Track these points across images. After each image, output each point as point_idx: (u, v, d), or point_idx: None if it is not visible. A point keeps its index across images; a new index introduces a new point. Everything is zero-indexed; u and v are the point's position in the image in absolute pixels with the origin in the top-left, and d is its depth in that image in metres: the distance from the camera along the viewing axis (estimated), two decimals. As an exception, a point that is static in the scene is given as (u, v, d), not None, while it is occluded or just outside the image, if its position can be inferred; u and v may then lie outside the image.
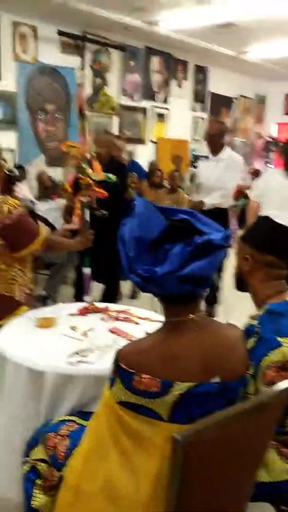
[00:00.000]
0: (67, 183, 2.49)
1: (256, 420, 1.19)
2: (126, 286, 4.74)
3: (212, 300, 4.45)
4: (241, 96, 10.27)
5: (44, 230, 2.33)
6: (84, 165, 2.38)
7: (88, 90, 6.71)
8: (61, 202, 4.81)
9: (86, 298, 2.43)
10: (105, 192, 2.53)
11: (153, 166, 7.14)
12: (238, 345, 1.37)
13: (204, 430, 1.06)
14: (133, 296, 4.70)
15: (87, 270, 2.46)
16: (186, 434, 1.04)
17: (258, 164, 10.94)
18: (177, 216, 1.30)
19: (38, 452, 1.60)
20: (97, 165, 2.48)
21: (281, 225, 1.81)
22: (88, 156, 2.39)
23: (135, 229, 1.27)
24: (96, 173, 2.45)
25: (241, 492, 1.37)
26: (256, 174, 9.51)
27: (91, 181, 2.42)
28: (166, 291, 1.28)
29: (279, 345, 1.59)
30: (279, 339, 1.60)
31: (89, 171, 2.40)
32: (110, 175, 2.67)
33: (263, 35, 6.67)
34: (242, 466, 1.27)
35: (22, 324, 2.14)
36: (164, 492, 1.18)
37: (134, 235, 1.26)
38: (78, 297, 3.54)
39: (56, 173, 5.95)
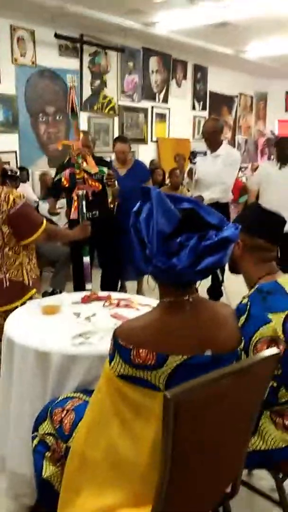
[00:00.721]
0: (64, 178, 2.65)
1: (245, 380, 1.27)
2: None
3: (216, 294, 4.54)
4: (242, 94, 10.35)
5: (44, 220, 2.48)
6: (79, 160, 2.52)
7: (89, 92, 6.82)
8: (64, 201, 4.93)
9: (88, 285, 2.55)
10: (99, 185, 2.71)
11: (154, 165, 7.25)
12: (229, 321, 1.46)
13: (194, 388, 1.14)
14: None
15: (86, 259, 2.58)
16: (177, 392, 1.12)
17: (261, 161, 11.01)
18: (182, 205, 1.36)
19: (46, 427, 1.69)
20: (91, 160, 2.64)
21: (269, 210, 1.90)
22: (82, 152, 2.54)
23: (156, 223, 1.29)
24: (91, 167, 2.60)
25: (235, 456, 1.46)
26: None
27: (86, 175, 2.57)
28: (180, 281, 1.35)
29: (269, 321, 1.69)
30: (269, 315, 1.70)
31: (84, 165, 2.55)
32: (104, 168, 2.94)
33: (261, 33, 6.74)
34: (233, 428, 1.35)
35: (28, 311, 2.24)
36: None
37: (156, 228, 1.28)
38: (78, 287, 3.72)
39: (59, 174, 6.06)
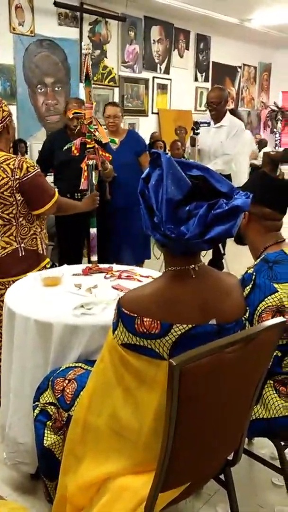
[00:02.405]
0: (74, 147, 2.59)
1: (249, 348, 1.25)
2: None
3: (217, 267, 4.52)
4: (245, 65, 10.15)
5: (56, 191, 2.48)
6: (91, 129, 2.47)
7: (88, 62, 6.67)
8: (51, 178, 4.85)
9: (93, 257, 2.52)
10: (109, 155, 2.66)
11: (155, 138, 7.15)
12: (234, 290, 1.44)
13: (199, 356, 1.13)
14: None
15: (93, 230, 2.55)
16: (182, 360, 1.11)
17: (264, 134, 10.88)
18: (192, 172, 1.33)
19: (47, 396, 1.69)
20: (102, 129, 2.58)
21: (275, 178, 1.86)
22: (94, 121, 2.48)
23: (166, 190, 1.25)
24: (102, 136, 2.55)
25: (238, 424, 1.46)
26: (262, 143, 9.48)
27: (96, 145, 2.52)
28: (188, 250, 1.32)
29: (275, 290, 1.67)
30: (274, 285, 1.67)
31: (97, 134, 2.50)
32: (114, 139, 2.90)
33: (267, 1, 6.56)
34: (237, 395, 1.35)
35: (28, 283, 2.22)
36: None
37: (167, 196, 1.25)
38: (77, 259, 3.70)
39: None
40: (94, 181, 2.60)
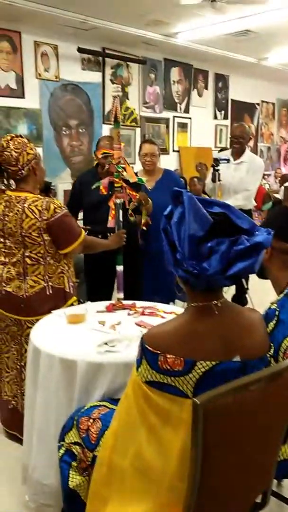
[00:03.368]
0: (102, 186, 2.67)
1: (274, 387, 1.24)
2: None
3: (241, 302, 4.48)
4: (263, 101, 10.31)
5: (82, 231, 2.52)
6: (119, 169, 2.54)
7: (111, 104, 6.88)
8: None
9: (119, 294, 2.55)
10: (136, 194, 2.73)
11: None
12: (257, 327, 1.43)
13: (224, 394, 1.12)
14: None
15: (119, 268, 2.59)
16: (206, 399, 1.10)
17: (285, 169, 10.92)
18: (213, 209, 1.35)
19: (72, 436, 1.68)
20: (130, 169, 2.66)
21: None
22: (122, 161, 2.56)
23: (188, 227, 1.28)
24: (130, 175, 2.62)
25: (265, 465, 1.42)
26: (283, 179, 9.50)
27: (124, 184, 2.58)
28: (210, 286, 1.34)
29: (299, 326, 1.65)
30: (298, 321, 1.65)
31: (124, 173, 2.57)
32: (142, 178, 2.93)
33: (282, 40, 6.71)
34: (264, 435, 1.32)
35: (53, 320, 2.25)
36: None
37: (189, 233, 1.27)
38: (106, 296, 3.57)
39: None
40: (121, 219, 2.65)
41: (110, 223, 2.62)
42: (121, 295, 2.57)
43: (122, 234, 2.66)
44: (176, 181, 4.02)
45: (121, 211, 2.65)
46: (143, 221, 3.34)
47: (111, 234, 2.73)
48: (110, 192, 2.71)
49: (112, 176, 2.60)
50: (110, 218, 2.61)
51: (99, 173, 3.53)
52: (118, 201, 2.60)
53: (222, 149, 6.60)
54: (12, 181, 2.50)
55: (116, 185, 2.60)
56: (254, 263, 1.29)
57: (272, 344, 1.59)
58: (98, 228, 3.23)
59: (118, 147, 2.57)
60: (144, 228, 3.31)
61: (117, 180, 2.59)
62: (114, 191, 2.61)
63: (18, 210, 2.36)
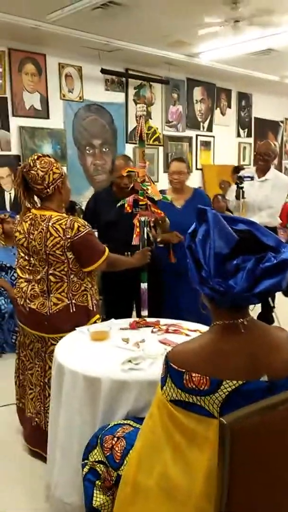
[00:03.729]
0: (127, 204, 2.70)
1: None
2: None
3: (267, 321, 4.41)
4: (287, 119, 10.29)
5: (106, 249, 2.53)
6: (144, 187, 2.57)
7: (134, 124, 6.96)
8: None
9: (144, 312, 2.54)
10: (161, 212, 2.74)
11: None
12: (285, 345, 1.40)
13: (251, 415, 1.09)
14: None
15: (144, 285, 2.59)
16: (233, 419, 1.08)
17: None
18: (238, 226, 1.35)
19: (96, 454, 1.66)
20: (154, 187, 2.69)
21: None
22: (147, 178, 2.59)
23: (214, 244, 1.28)
24: (154, 193, 2.65)
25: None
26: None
27: (149, 202, 2.61)
28: (236, 304, 1.33)
29: None
30: None
31: (149, 191, 2.59)
32: (167, 196, 2.94)
33: (304, 58, 6.72)
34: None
35: (77, 337, 2.25)
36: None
37: (214, 251, 1.27)
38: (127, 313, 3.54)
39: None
40: (145, 237, 2.66)
41: (135, 240, 2.64)
42: (146, 313, 2.56)
43: (146, 252, 2.67)
44: (204, 200, 3.83)
45: (145, 229, 2.66)
46: (158, 238, 3.35)
47: (134, 252, 2.73)
48: (133, 210, 2.73)
49: (137, 194, 2.63)
50: (134, 236, 2.62)
51: (114, 192, 3.55)
52: (142, 219, 2.61)
53: (237, 168, 6.55)
54: (37, 199, 2.53)
55: (141, 203, 2.62)
56: (281, 281, 1.27)
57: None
58: (118, 246, 3.21)
59: (142, 165, 2.60)
60: (161, 245, 3.34)
61: (141, 198, 2.61)
62: (139, 209, 2.63)
63: (42, 229, 2.39)
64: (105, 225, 3.44)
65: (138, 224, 2.63)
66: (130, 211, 2.68)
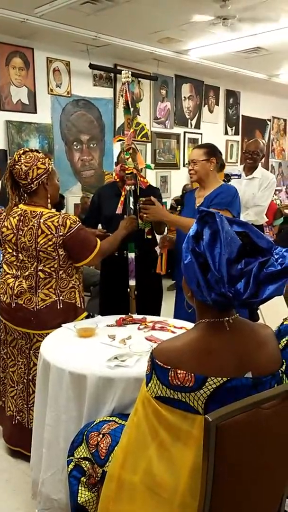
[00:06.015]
0: (115, 174, 2.71)
1: (287, 405, 1.22)
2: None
3: (252, 319, 4.44)
4: (274, 117, 10.34)
5: (98, 241, 2.52)
6: (127, 156, 2.57)
7: (122, 120, 6.94)
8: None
9: (131, 281, 2.54)
10: (147, 181, 2.76)
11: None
12: (269, 342, 1.42)
13: (236, 411, 1.10)
14: None
15: (131, 255, 2.59)
16: (218, 415, 1.09)
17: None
18: (234, 228, 1.34)
19: (82, 451, 1.67)
20: (139, 156, 2.74)
21: None
22: (132, 147, 2.60)
23: (225, 250, 1.26)
24: (139, 162, 2.70)
25: (278, 485, 1.39)
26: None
27: (135, 171, 2.61)
28: (240, 307, 1.33)
29: (311, 343, 1.62)
30: (311, 337, 1.63)
31: (135, 158, 2.64)
32: (150, 164, 2.91)
33: (293, 57, 6.75)
34: (277, 454, 1.29)
35: (63, 334, 2.24)
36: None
37: (226, 256, 1.25)
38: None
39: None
40: (131, 206, 2.66)
41: (119, 209, 2.64)
42: (133, 282, 2.57)
43: (131, 218, 2.66)
44: (224, 199, 2.79)
45: (131, 198, 2.66)
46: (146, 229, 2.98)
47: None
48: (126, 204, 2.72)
49: (124, 164, 2.63)
50: (119, 205, 2.63)
51: (118, 186, 3.48)
52: (128, 188, 2.62)
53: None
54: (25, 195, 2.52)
55: (127, 171, 2.62)
56: (283, 285, 1.27)
57: (284, 361, 1.57)
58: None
59: (128, 134, 2.62)
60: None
61: (127, 166, 2.61)
62: (126, 178, 2.64)
63: (33, 225, 2.37)
64: (107, 219, 3.27)
65: (123, 193, 2.63)
66: (117, 180, 2.69)
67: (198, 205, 2.89)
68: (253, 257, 1.28)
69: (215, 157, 2.88)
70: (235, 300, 1.26)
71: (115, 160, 3.68)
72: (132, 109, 2.66)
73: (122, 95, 2.69)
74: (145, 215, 2.66)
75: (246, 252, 1.29)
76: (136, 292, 2.60)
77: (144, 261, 2.81)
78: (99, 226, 3.53)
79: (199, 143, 8.41)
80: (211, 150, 2.90)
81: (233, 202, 2.82)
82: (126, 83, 2.59)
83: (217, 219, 1.29)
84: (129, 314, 2.54)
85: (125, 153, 2.61)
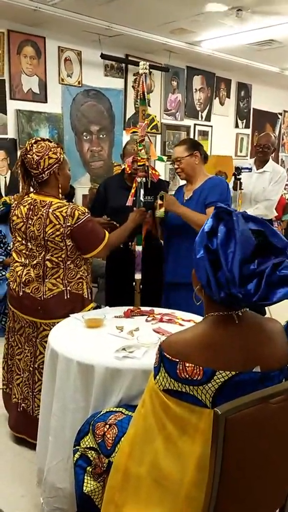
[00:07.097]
0: (127, 165, 2.70)
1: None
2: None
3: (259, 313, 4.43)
4: (286, 111, 10.26)
5: (106, 233, 2.51)
6: (140, 147, 2.57)
7: (132, 111, 6.91)
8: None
9: (137, 275, 2.54)
10: (159, 174, 2.74)
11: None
12: (278, 337, 1.41)
13: (245, 405, 1.10)
14: None
15: (138, 248, 2.59)
16: (227, 409, 1.08)
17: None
18: (250, 225, 1.31)
19: (88, 441, 1.67)
20: (152, 147, 2.71)
21: None
22: (146, 139, 2.59)
23: (240, 251, 1.24)
24: (151, 153, 2.68)
25: (285, 479, 1.39)
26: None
27: (147, 163, 2.61)
28: (251, 308, 1.33)
29: None
30: None
31: (148, 150, 2.62)
32: (163, 157, 2.96)
33: (305, 51, 6.69)
34: (284, 448, 1.29)
35: (71, 324, 2.25)
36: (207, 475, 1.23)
37: (240, 257, 1.23)
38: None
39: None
40: (142, 199, 2.65)
41: (129, 201, 2.62)
42: (139, 276, 2.57)
43: (141, 211, 2.64)
44: (216, 191, 2.85)
45: (141, 190, 2.64)
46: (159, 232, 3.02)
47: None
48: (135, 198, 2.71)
49: (136, 156, 2.63)
50: (129, 197, 2.62)
51: (125, 178, 3.40)
52: (139, 179, 2.61)
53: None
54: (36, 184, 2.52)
55: (139, 163, 2.61)
56: None
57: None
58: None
59: (142, 125, 2.60)
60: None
61: (139, 158, 2.60)
62: (137, 170, 2.63)
63: (42, 215, 2.37)
64: (113, 211, 3.25)
65: (134, 185, 2.61)
66: (129, 171, 2.68)
67: (186, 198, 2.94)
68: (266, 257, 1.26)
69: (197, 150, 2.91)
70: (244, 302, 1.25)
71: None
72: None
73: (134, 87, 2.71)
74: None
75: (259, 251, 1.27)
76: (141, 286, 2.59)
77: (148, 255, 2.78)
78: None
79: (209, 135, 8.37)
80: (192, 144, 2.95)
81: (229, 196, 2.95)
82: (144, 74, 2.57)
83: (234, 217, 1.28)
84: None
85: (138, 144, 2.59)
